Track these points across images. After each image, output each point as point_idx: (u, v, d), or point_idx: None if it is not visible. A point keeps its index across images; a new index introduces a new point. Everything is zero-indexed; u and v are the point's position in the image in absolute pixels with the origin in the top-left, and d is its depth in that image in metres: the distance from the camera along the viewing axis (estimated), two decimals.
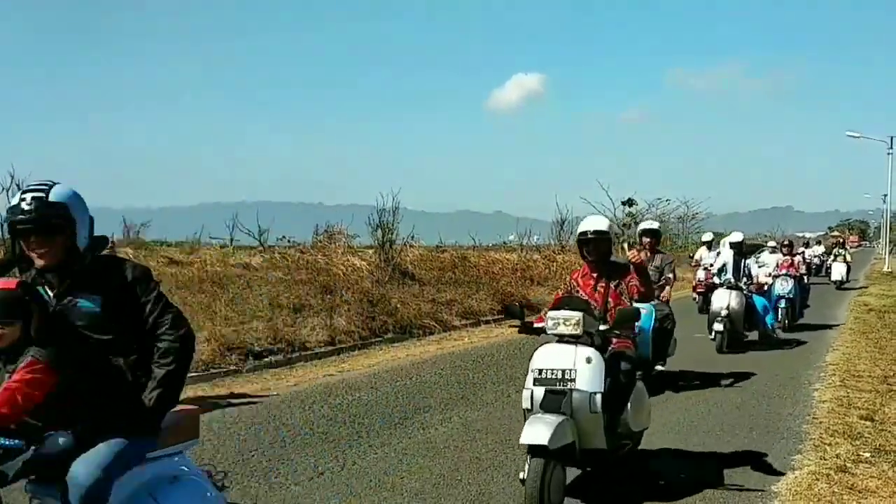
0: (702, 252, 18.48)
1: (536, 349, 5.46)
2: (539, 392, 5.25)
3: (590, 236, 6.12)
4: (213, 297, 13.10)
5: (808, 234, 52.88)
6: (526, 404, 5.30)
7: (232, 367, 10.39)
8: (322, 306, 13.63)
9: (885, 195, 51.76)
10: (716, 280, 13.20)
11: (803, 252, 22.40)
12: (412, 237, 21.06)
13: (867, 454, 6.60)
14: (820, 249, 35.25)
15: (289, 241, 22.54)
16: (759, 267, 18.44)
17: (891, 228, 56.08)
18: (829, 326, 16.21)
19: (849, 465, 6.29)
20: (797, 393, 9.38)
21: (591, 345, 5.39)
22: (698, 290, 17.03)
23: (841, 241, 36.16)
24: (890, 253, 51.10)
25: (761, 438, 7.24)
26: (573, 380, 5.19)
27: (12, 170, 15.46)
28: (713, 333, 12.35)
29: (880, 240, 71.90)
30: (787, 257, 17.31)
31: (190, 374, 9.72)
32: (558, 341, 5.41)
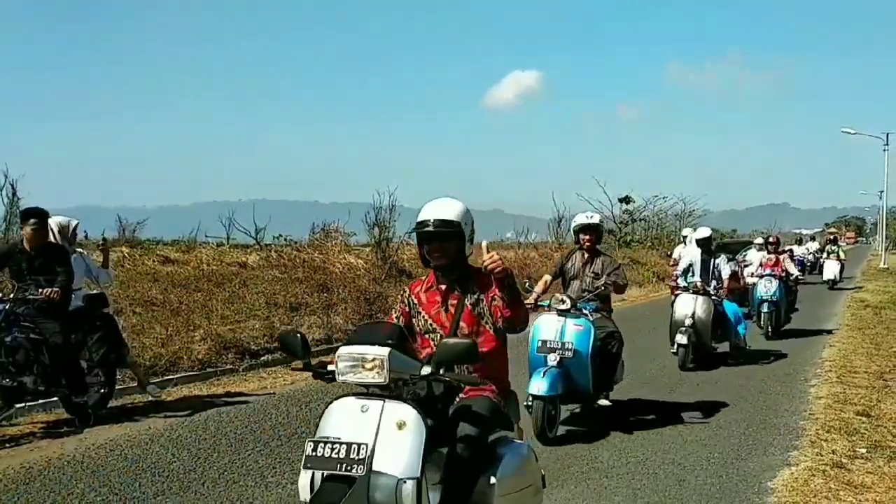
0: (680, 250, 16.59)
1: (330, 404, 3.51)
2: (315, 479, 3.33)
3: (431, 229, 3.96)
4: (210, 295, 13.07)
5: (804, 231, 52.83)
6: (303, 496, 3.38)
7: (228, 366, 10.38)
8: (319, 305, 13.61)
9: (882, 191, 51.82)
10: (680, 283, 11.72)
11: (791, 250, 20.47)
12: (409, 235, 21.04)
13: (863, 450, 6.60)
14: (815, 246, 33.38)
15: (285, 240, 22.50)
16: (745, 266, 17.17)
17: (887, 225, 56.17)
18: (820, 332, 14.76)
19: (845, 460, 6.30)
20: (793, 389, 9.39)
21: (413, 398, 3.49)
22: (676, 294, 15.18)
23: (832, 237, 33.41)
24: (886, 249, 51.23)
25: (758, 434, 7.25)
26: (362, 460, 3.14)
27: (6, 168, 15.36)
28: (675, 346, 10.72)
29: (877, 236, 71.99)
30: (773, 256, 15.22)
31: (187, 373, 9.78)
32: (356, 394, 3.49)
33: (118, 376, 8.22)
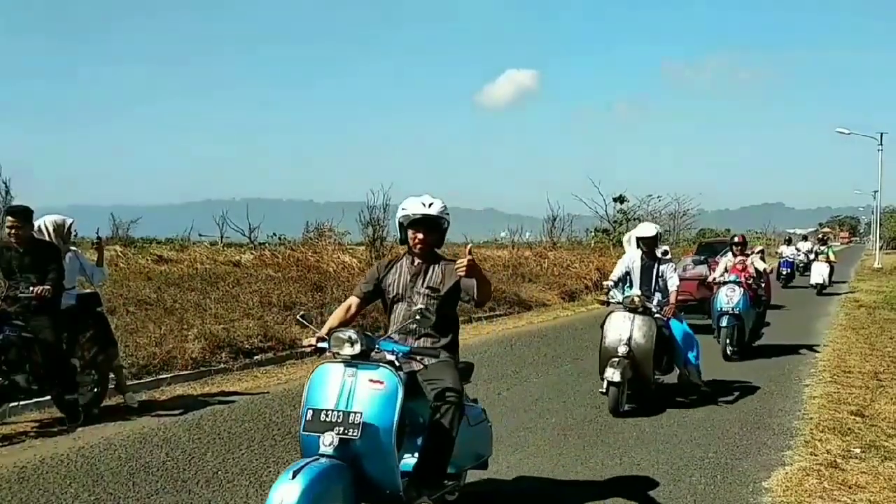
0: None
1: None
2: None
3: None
4: (203, 294, 13.05)
5: (797, 231, 52.95)
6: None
7: (222, 366, 10.35)
8: (313, 304, 13.59)
9: (876, 191, 52.02)
10: (612, 297, 8.88)
11: (762, 251, 17.57)
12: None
13: (858, 450, 6.61)
14: (807, 246, 30.08)
15: (279, 239, 22.51)
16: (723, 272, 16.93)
17: (881, 224, 56.35)
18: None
19: (839, 460, 6.30)
20: (788, 389, 9.41)
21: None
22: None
23: (823, 237, 30.36)
24: (880, 249, 51.39)
25: (752, 434, 7.26)
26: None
27: None
28: (605, 384, 7.95)
29: (871, 236, 72.22)
30: (739, 258, 12.43)
31: (180, 372, 9.75)
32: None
33: (111, 376, 8.19)
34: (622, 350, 8.12)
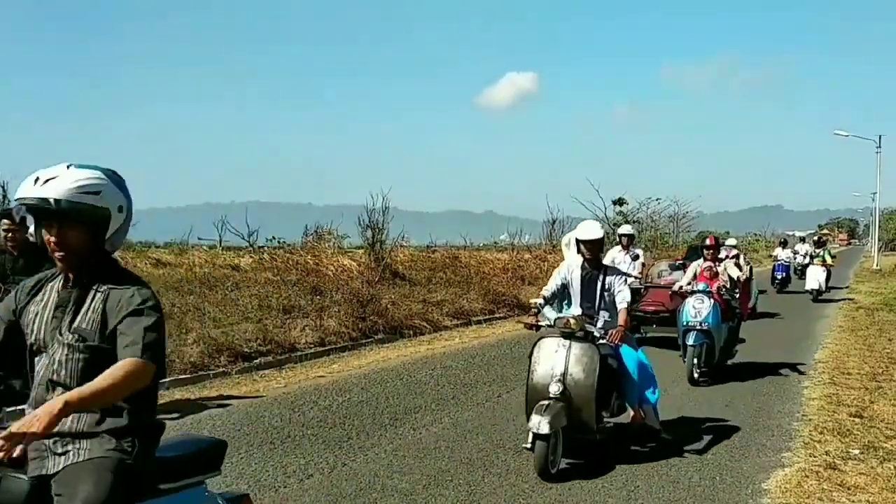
0: (615, 254, 13.06)
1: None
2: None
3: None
4: (202, 298, 13.04)
5: (796, 232, 52.88)
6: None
7: (221, 369, 10.34)
8: (312, 307, 13.58)
9: (875, 193, 52.02)
10: (542, 318, 6.96)
11: (738, 256, 15.87)
12: (403, 237, 21.03)
13: (856, 451, 6.62)
14: (805, 248, 27.88)
15: (278, 242, 22.50)
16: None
17: (880, 226, 56.35)
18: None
19: (838, 461, 6.31)
20: (787, 390, 9.41)
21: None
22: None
23: (820, 238, 28.56)
24: (879, 251, 51.39)
25: (751, 436, 7.26)
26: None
27: None
28: (529, 437, 5.93)
29: (869, 238, 72.25)
30: (708, 264, 10.62)
31: (179, 376, 9.74)
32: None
33: None
34: (554, 389, 6.18)
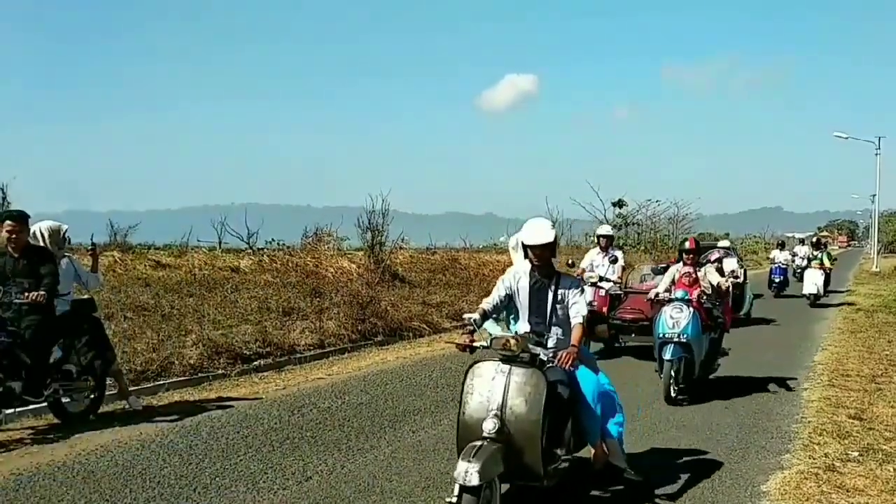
0: (592, 256, 12.48)
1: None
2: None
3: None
4: (202, 300, 13.04)
5: (796, 235, 52.90)
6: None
7: (220, 371, 10.34)
8: (311, 309, 13.58)
9: (874, 195, 52.03)
10: (479, 338, 5.42)
11: (720, 259, 15.37)
12: (402, 239, 21.04)
13: (855, 453, 6.61)
14: (804, 250, 26.60)
15: (278, 244, 22.50)
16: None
17: (879, 229, 56.36)
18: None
19: (837, 464, 6.30)
20: (786, 393, 9.40)
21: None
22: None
23: (818, 240, 27.01)
24: (879, 253, 51.40)
25: (750, 437, 7.25)
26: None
27: None
28: (455, 489, 4.63)
29: (869, 240, 72.27)
30: (688, 269, 9.50)
31: (177, 378, 9.75)
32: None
33: (108, 382, 8.17)
34: (489, 426, 4.89)
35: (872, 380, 9.94)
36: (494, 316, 5.88)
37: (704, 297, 9.29)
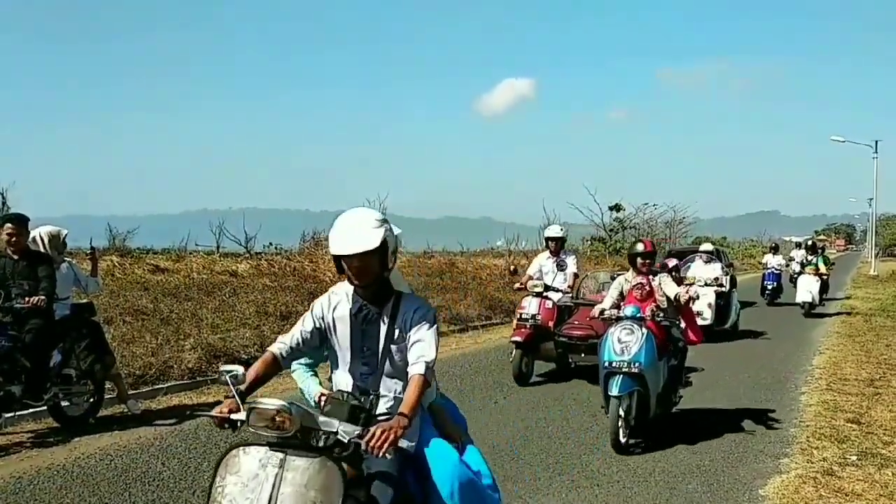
0: (541, 261, 11.00)
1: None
2: None
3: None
4: (200, 304, 13.03)
5: (794, 238, 53.02)
6: None
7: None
8: None
9: (871, 199, 52.16)
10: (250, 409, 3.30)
11: (676, 267, 12.87)
12: (399, 243, 21.06)
13: (854, 457, 6.62)
14: (801, 255, 23.94)
15: (276, 248, 22.52)
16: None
17: (877, 232, 56.46)
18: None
19: (835, 468, 6.32)
20: (784, 396, 9.42)
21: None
22: (518, 338, 10.09)
23: (812, 243, 24.20)
24: (876, 256, 51.47)
25: (748, 442, 7.26)
26: None
27: None
28: None
29: (866, 243, 72.40)
30: (640, 279, 7.69)
31: (176, 382, 9.74)
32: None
33: (107, 385, 8.17)
34: None
35: (870, 384, 9.96)
36: (305, 362, 4.06)
37: (661, 315, 7.49)
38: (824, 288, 20.80)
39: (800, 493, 5.72)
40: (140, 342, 10.29)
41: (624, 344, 7.10)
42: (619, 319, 7.40)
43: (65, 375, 7.50)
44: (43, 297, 7.04)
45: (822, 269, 20.67)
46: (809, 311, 19.43)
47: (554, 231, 11.07)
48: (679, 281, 9.13)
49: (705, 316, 14.19)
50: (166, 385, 9.51)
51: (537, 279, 10.61)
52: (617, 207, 39.06)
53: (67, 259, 8.13)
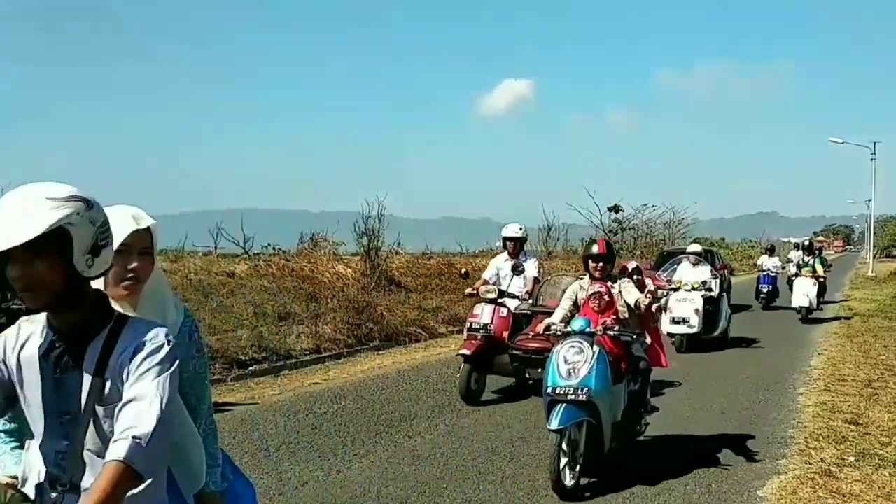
0: (498, 264, 9.77)
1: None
2: None
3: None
4: (198, 305, 13.01)
5: (792, 239, 52.98)
6: None
7: (216, 377, 10.30)
8: (307, 314, 13.57)
9: (870, 200, 52.18)
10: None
11: (638, 270, 8.61)
12: (398, 244, 21.03)
13: (852, 458, 6.62)
14: (799, 256, 21.60)
15: (274, 249, 22.49)
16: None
17: (875, 233, 56.50)
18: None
19: (833, 469, 6.31)
20: (782, 397, 9.41)
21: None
22: (466, 351, 8.90)
23: (809, 243, 22.12)
24: (874, 257, 51.51)
25: (747, 443, 7.25)
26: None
27: None
28: None
29: (865, 244, 72.43)
30: (598, 286, 6.49)
31: None
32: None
33: None
34: None
35: (868, 384, 9.95)
36: (4, 427, 2.49)
37: (616, 328, 6.28)
38: (821, 291, 19.64)
39: (798, 493, 5.72)
40: None
41: (571, 365, 5.96)
42: (566, 335, 6.26)
43: None
44: None
45: (820, 271, 19.27)
46: (806, 316, 18.29)
47: (512, 230, 9.71)
48: (642, 286, 7.33)
49: (692, 323, 13.41)
50: None
51: (494, 283, 9.45)
52: (616, 208, 39.05)
53: None
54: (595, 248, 6.58)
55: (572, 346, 6.07)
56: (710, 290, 13.99)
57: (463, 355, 8.92)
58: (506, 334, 9.10)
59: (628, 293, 6.58)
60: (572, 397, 5.81)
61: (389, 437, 7.38)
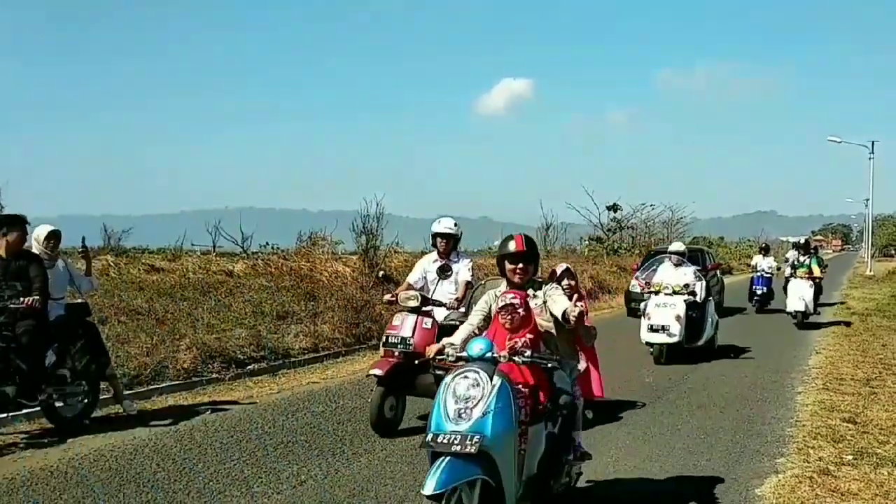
0: (425, 265, 8.30)
1: None
2: None
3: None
4: (196, 304, 13.01)
5: (790, 238, 53.10)
6: None
7: (214, 375, 10.31)
8: (306, 313, 13.57)
9: (868, 199, 52.23)
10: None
11: (569, 273, 7.88)
12: (397, 243, 21.02)
13: (850, 457, 6.62)
14: (795, 255, 19.70)
15: (272, 248, 22.50)
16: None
17: (873, 232, 56.55)
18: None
19: (832, 467, 6.31)
20: (781, 396, 9.41)
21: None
22: (378, 371, 7.33)
23: (806, 242, 21.62)
24: (872, 257, 51.54)
25: (745, 441, 7.25)
26: None
27: None
28: None
29: (863, 244, 72.50)
30: (512, 297, 4.72)
31: (171, 382, 9.72)
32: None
33: (102, 386, 8.15)
34: None
35: (866, 383, 9.96)
36: None
37: (530, 352, 4.57)
38: (818, 293, 18.43)
39: (796, 492, 5.72)
40: (135, 342, 10.26)
41: (462, 404, 4.24)
42: (461, 361, 4.57)
43: (59, 376, 7.48)
44: (38, 297, 7.02)
45: (816, 271, 17.94)
46: (802, 320, 17.05)
47: (445, 225, 8.12)
48: (572, 293, 6.52)
49: (672, 331, 11.92)
50: (162, 385, 9.49)
51: (420, 288, 8.02)
52: (614, 207, 39.07)
53: (63, 257, 8.11)
54: (511, 245, 4.95)
55: (465, 378, 4.34)
56: (693, 293, 12.40)
57: (374, 375, 7.36)
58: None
59: (554, 303, 4.94)
60: (458, 448, 4.04)
61: (388, 436, 7.37)
